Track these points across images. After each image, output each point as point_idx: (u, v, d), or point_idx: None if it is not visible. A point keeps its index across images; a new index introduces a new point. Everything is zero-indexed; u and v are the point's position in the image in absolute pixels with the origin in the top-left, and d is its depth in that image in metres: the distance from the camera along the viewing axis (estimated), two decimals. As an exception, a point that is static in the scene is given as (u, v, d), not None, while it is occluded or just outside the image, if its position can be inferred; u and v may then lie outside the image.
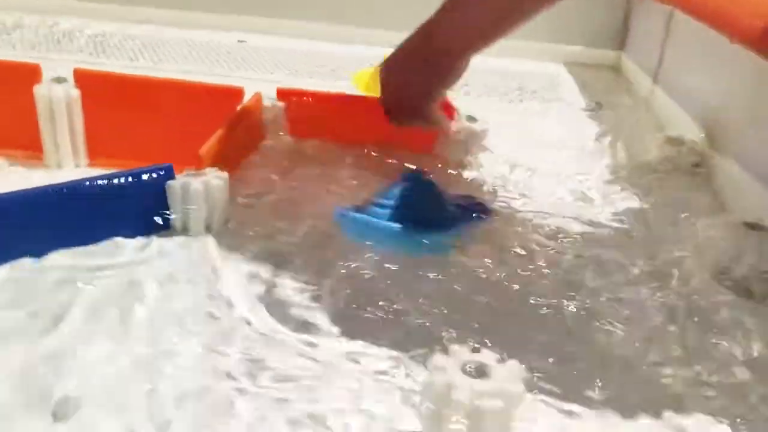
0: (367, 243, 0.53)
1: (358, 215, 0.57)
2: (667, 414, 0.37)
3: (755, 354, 0.43)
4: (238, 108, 0.66)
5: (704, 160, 0.74)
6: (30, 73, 0.65)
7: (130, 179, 0.50)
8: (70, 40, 1.14)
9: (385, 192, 0.59)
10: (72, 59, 1.02)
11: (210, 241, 0.51)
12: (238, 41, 1.20)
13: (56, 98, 0.63)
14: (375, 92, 0.66)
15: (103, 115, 0.65)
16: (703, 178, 0.72)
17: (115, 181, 0.49)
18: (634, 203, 0.66)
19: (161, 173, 0.51)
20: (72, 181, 0.49)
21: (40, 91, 0.63)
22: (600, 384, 0.39)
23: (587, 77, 1.16)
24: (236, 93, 0.67)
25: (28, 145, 0.65)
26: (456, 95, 0.79)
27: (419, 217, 0.56)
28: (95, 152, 0.66)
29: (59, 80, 0.65)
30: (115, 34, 1.18)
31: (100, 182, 0.49)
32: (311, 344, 0.41)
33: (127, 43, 1.14)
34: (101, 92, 0.65)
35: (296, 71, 1.06)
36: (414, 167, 0.67)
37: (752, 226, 0.53)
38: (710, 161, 0.73)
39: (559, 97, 1.06)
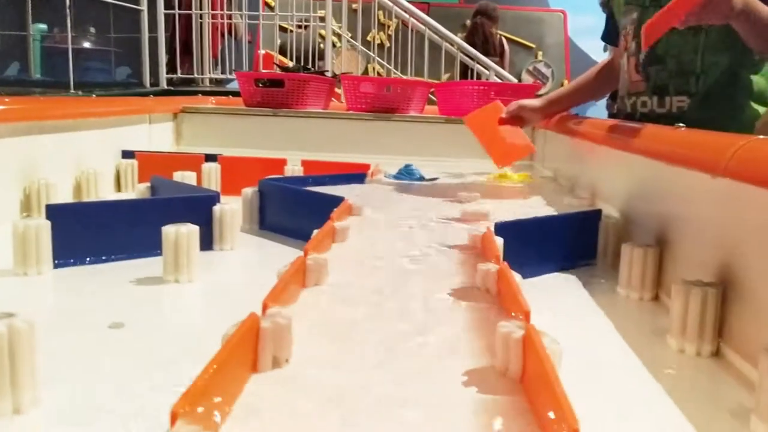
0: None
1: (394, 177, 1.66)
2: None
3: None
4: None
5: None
6: (281, 162, 1.65)
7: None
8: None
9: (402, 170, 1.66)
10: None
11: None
12: None
13: (294, 172, 1.63)
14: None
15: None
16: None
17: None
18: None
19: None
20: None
21: (287, 169, 1.63)
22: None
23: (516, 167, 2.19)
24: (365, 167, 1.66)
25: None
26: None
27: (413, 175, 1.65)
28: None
29: (294, 165, 1.65)
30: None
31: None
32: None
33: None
34: (316, 169, 1.65)
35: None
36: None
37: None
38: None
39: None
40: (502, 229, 0.90)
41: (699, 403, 0.59)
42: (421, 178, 1.71)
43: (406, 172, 1.70)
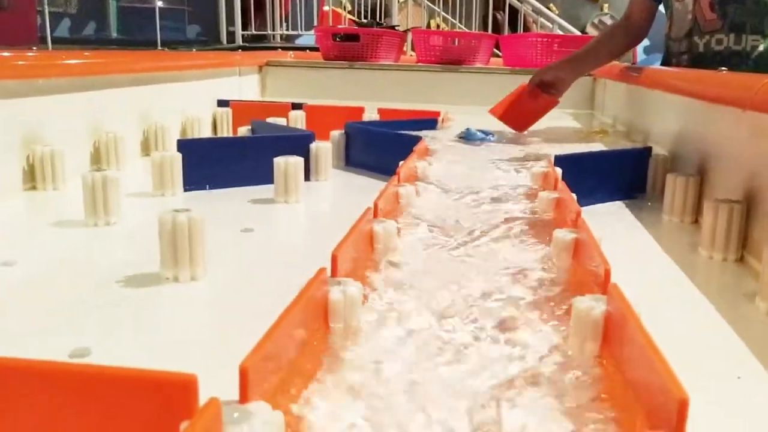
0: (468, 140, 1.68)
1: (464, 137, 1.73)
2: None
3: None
4: None
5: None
6: (359, 110, 1.81)
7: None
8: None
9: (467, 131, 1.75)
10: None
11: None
12: None
13: (372, 119, 1.79)
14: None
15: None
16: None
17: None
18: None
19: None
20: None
21: (364, 116, 1.80)
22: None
23: (577, 116, 2.30)
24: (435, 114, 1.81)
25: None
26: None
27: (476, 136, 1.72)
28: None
29: (371, 113, 1.81)
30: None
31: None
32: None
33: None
34: (391, 117, 1.80)
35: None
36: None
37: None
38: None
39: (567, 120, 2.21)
40: (560, 161, 1.05)
41: (719, 291, 0.73)
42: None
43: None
